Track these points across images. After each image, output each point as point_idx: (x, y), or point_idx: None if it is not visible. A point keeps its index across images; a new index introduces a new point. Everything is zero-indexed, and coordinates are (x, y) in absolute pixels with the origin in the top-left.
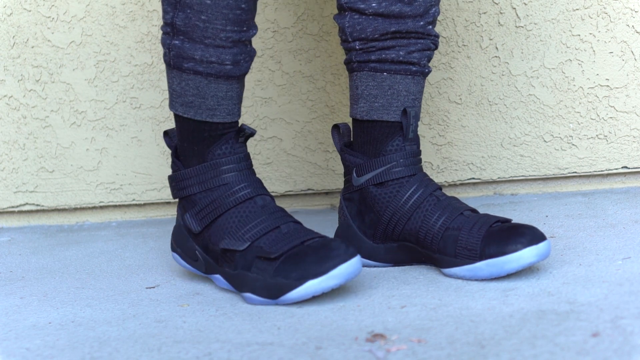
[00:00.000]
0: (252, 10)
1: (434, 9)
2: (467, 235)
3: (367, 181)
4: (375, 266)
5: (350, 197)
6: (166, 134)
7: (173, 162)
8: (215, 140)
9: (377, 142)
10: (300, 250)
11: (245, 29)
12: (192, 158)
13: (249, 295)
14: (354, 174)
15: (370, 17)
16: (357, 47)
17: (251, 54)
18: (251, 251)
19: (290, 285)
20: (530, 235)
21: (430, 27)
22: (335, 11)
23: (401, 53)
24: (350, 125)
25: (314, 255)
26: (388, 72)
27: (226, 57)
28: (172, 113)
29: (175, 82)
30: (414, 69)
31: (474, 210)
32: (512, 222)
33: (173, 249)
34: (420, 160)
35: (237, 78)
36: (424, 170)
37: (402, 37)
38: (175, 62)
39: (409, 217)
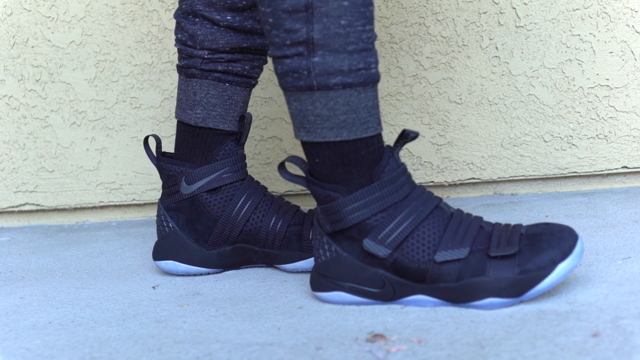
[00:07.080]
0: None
1: None
2: (311, 230)
3: (198, 188)
4: (207, 273)
5: (178, 206)
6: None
7: (323, 190)
8: (379, 158)
9: (208, 149)
10: (531, 241)
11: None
12: (353, 180)
13: (489, 301)
14: (184, 182)
15: (223, 29)
16: (205, 55)
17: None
18: (475, 255)
19: (539, 276)
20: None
21: None
22: None
23: (246, 67)
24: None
25: (547, 241)
26: (231, 83)
27: (371, 59)
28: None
29: (320, 106)
30: (252, 82)
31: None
32: None
33: (333, 288)
34: (246, 165)
35: (378, 82)
36: (424, 171)
37: (250, 52)
38: (319, 82)
39: (247, 219)
